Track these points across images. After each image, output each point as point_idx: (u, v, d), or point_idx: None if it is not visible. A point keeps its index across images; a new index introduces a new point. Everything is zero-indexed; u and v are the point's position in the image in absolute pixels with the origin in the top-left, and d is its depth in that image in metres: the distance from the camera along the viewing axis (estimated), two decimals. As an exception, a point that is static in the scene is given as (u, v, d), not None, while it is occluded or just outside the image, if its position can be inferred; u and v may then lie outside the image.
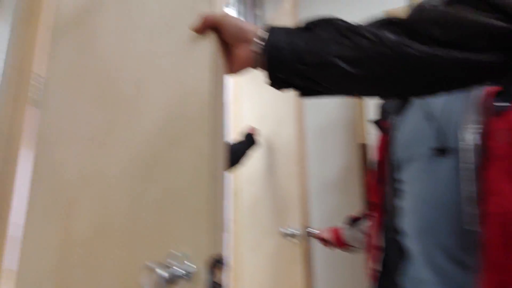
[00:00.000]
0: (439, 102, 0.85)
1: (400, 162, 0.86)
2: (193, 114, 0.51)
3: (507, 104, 0.73)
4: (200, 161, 0.48)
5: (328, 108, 1.72)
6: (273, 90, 0.53)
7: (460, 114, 0.78)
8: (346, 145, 1.67)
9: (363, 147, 1.56)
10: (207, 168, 0.47)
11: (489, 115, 0.73)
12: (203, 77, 0.51)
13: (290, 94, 1.15)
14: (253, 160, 1.50)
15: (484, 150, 0.70)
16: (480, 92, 0.78)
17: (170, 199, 0.51)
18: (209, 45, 0.52)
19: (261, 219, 1.49)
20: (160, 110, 0.55)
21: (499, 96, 0.75)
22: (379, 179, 0.90)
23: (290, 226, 1.24)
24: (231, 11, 1.98)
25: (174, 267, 0.44)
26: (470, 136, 0.73)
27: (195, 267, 0.44)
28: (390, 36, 0.45)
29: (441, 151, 0.76)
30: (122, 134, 0.59)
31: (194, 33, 0.52)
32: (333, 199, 1.61)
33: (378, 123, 0.99)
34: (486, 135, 0.71)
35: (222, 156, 0.50)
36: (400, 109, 0.94)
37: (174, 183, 0.51)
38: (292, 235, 1.23)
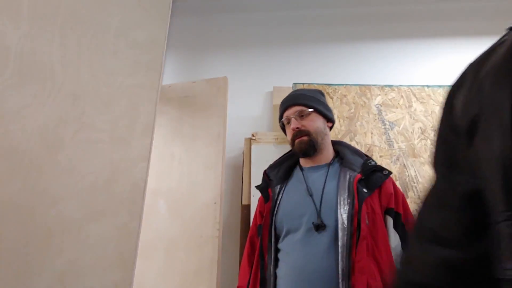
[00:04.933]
0: (319, 181, 0.99)
1: (282, 232, 0.95)
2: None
3: (370, 190, 0.92)
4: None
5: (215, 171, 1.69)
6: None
7: (336, 194, 0.92)
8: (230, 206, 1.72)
9: (247, 208, 1.58)
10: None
11: (358, 199, 0.89)
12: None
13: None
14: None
15: (354, 230, 0.84)
16: (352, 177, 0.94)
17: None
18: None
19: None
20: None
21: (361, 183, 0.93)
22: (261, 248, 0.96)
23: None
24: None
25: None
26: (344, 216, 0.87)
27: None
28: None
29: (319, 226, 0.88)
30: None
31: None
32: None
33: (262, 189, 1.08)
34: (355, 217, 0.86)
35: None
36: (283, 179, 1.06)
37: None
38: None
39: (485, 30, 2.29)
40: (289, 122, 1.12)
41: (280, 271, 0.91)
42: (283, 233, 0.95)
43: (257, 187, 1.13)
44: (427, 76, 2.09)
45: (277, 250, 0.95)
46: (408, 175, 1.58)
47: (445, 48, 2.22)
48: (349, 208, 0.89)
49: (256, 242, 1.04)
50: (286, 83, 2.02)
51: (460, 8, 2.38)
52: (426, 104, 1.87)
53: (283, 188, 1.04)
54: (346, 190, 0.92)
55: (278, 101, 2.02)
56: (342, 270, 0.81)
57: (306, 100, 1.13)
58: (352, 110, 1.82)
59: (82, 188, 0.52)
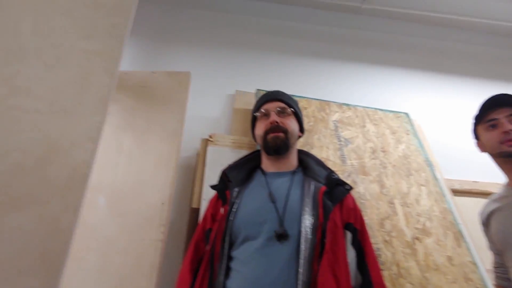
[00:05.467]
0: (283, 188, 0.94)
1: (237, 239, 0.86)
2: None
3: (333, 204, 0.90)
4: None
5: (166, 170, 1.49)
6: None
7: (300, 203, 0.87)
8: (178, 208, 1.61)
9: (196, 212, 1.46)
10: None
11: (324, 211, 0.86)
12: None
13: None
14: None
15: (317, 243, 0.81)
16: (317, 189, 0.91)
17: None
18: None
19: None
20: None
21: (326, 195, 0.90)
22: (212, 255, 0.86)
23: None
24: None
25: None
26: (308, 227, 0.82)
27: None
28: None
29: (282, 235, 0.82)
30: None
31: None
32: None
33: (219, 190, 0.99)
34: (319, 229, 0.83)
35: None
36: (243, 182, 0.99)
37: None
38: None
39: (432, 66, 2.51)
40: (266, 114, 1.06)
41: (232, 282, 0.82)
42: (239, 240, 0.87)
43: (213, 187, 1.03)
44: (380, 100, 2.21)
45: (229, 259, 0.86)
46: (358, 192, 1.63)
47: (398, 77, 2.39)
48: (314, 220, 0.84)
49: (202, 248, 0.95)
50: (249, 89, 1.99)
51: (415, 43, 2.58)
52: (378, 126, 1.97)
53: (242, 192, 0.96)
54: (311, 201, 0.89)
55: (240, 105, 1.98)
56: (303, 283, 0.76)
57: (290, 100, 1.11)
58: (311, 123, 1.84)
59: (3, 168, 0.41)
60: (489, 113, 1.06)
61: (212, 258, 0.86)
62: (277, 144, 1.00)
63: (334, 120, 1.90)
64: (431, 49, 2.59)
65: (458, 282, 1.48)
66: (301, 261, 0.78)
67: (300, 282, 0.76)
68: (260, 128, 1.06)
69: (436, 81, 2.43)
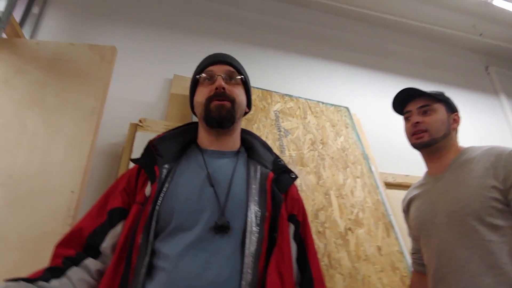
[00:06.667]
0: (226, 170, 0.77)
1: (166, 228, 0.68)
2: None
3: (282, 194, 0.76)
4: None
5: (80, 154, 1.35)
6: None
7: (245, 190, 0.73)
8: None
9: None
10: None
11: (274, 202, 0.72)
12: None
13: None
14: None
15: (265, 237, 0.67)
16: (265, 175, 0.76)
17: None
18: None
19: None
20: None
21: (274, 183, 0.76)
22: (131, 247, 0.66)
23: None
24: None
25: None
26: (254, 218, 0.68)
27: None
28: None
29: (223, 227, 0.67)
30: None
31: None
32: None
33: (146, 164, 0.78)
34: (267, 221, 0.69)
35: None
36: (176, 157, 0.81)
37: None
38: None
39: (372, 64, 2.60)
40: (210, 78, 0.86)
41: (155, 285, 0.62)
42: (168, 230, 0.68)
43: (135, 160, 0.81)
44: (322, 93, 2.23)
45: (152, 253, 0.66)
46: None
47: (340, 72, 2.43)
48: (262, 210, 0.71)
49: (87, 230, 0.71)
50: (189, 74, 1.87)
51: (358, 41, 2.65)
52: (319, 119, 1.97)
53: (174, 170, 0.77)
54: (258, 188, 0.74)
55: (177, 90, 1.86)
56: (247, 283, 0.62)
57: (238, 65, 0.91)
58: (252, 112, 1.78)
59: None
60: (406, 105, 1.09)
61: (130, 251, 0.66)
62: (221, 114, 0.81)
63: (275, 110, 1.86)
64: (372, 48, 2.68)
65: (385, 271, 1.53)
66: (246, 258, 0.64)
67: (244, 283, 0.62)
68: (201, 94, 0.86)
69: (375, 78, 2.52)
